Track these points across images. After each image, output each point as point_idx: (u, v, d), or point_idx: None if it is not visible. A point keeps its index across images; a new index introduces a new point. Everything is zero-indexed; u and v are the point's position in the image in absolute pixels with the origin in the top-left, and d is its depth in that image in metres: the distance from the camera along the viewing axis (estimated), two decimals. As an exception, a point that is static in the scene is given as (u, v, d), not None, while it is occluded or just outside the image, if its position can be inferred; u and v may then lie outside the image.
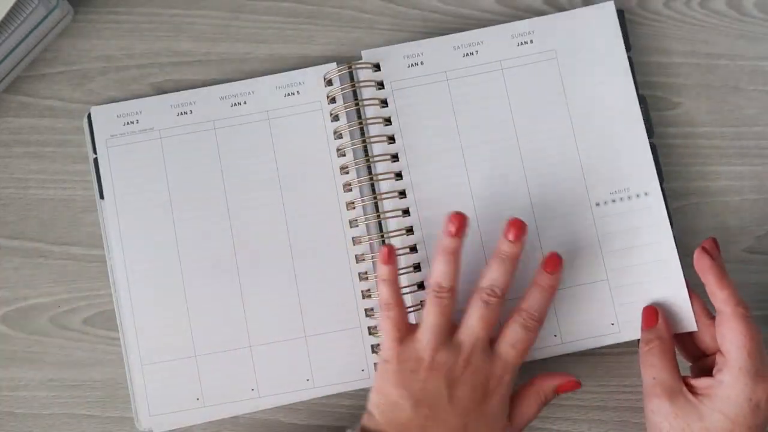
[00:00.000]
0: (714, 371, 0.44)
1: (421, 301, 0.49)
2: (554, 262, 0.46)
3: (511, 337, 0.45)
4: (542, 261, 0.47)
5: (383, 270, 0.45)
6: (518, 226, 0.45)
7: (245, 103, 0.51)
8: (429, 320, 0.44)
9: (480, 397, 0.43)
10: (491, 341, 0.45)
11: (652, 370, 0.45)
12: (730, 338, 0.43)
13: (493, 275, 0.45)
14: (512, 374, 0.45)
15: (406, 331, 0.45)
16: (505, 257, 0.45)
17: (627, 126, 0.50)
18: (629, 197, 0.50)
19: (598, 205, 0.50)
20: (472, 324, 0.44)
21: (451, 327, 0.45)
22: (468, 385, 0.43)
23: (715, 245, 0.46)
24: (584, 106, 0.50)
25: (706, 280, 0.45)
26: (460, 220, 0.45)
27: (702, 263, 0.45)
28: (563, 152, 0.50)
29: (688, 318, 0.48)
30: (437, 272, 0.45)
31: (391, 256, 0.45)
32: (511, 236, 0.45)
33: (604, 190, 0.50)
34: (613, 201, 0.50)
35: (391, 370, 0.44)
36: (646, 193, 0.50)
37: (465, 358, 0.44)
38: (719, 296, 0.44)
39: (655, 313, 0.47)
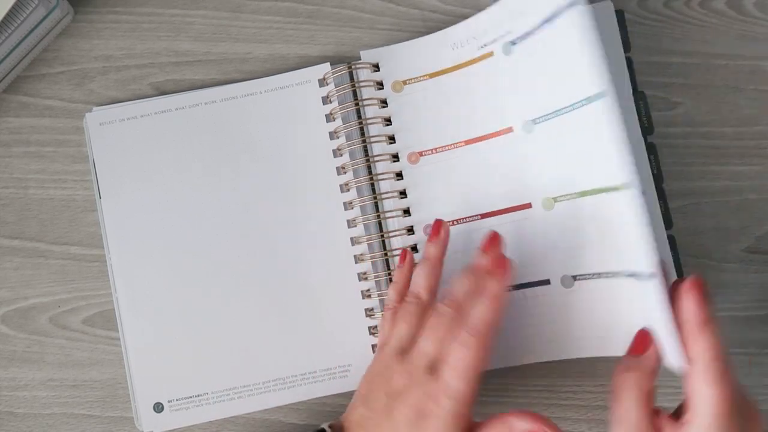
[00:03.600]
0: (682, 419, 0.36)
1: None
2: (501, 264, 0.41)
3: (450, 356, 0.40)
4: (488, 263, 0.42)
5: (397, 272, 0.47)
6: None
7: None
8: (396, 329, 0.44)
9: (414, 418, 0.40)
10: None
11: (622, 425, 0.37)
12: (699, 395, 0.35)
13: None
14: (456, 400, 0.39)
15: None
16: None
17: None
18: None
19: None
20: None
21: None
22: (405, 402, 0.40)
23: (702, 283, 0.37)
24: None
25: (688, 322, 0.37)
26: (438, 227, 0.46)
27: (687, 302, 0.37)
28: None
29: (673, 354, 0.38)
30: (415, 281, 0.45)
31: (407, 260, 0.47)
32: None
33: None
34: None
35: (369, 368, 0.45)
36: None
37: (408, 372, 0.41)
38: (699, 343, 0.36)
39: (646, 339, 0.39)
